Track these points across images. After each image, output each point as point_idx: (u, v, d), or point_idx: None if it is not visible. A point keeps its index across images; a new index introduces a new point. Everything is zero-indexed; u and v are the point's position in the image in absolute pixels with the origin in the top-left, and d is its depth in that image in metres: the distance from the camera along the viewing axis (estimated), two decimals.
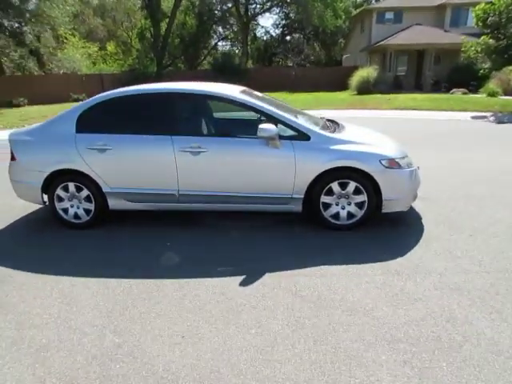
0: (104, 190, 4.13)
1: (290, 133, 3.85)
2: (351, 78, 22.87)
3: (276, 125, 3.77)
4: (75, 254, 3.69)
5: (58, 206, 4.24)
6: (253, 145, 3.85)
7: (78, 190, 4.17)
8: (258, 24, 43.29)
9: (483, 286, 2.94)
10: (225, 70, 25.88)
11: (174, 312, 2.73)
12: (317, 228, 4.01)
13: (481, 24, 13.39)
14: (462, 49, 15.24)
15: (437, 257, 3.41)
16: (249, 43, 39.73)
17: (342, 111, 15.37)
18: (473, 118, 12.89)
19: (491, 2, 12.96)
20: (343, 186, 3.83)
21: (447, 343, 2.34)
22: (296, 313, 2.68)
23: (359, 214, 3.91)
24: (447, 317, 2.59)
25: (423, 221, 4.20)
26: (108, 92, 4.23)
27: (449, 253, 3.48)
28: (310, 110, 14.00)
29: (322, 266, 3.29)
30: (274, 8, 39.01)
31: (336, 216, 3.95)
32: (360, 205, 3.88)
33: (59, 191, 4.19)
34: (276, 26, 42.96)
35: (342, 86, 24.63)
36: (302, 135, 3.81)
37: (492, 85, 17.37)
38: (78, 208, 4.24)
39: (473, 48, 14.12)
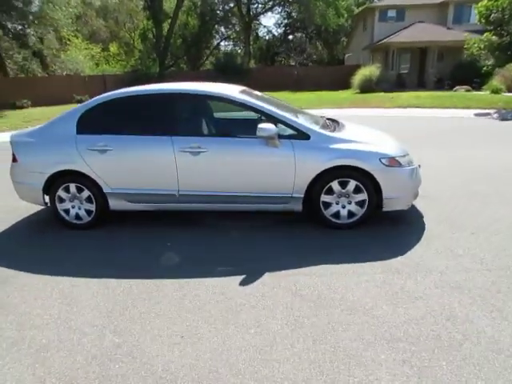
0: (105, 191, 4.14)
1: (290, 132, 3.85)
2: (353, 77, 22.81)
3: (276, 124, 3.76)
4: (76, 255, 3.71)
5: (60, 206, 4.26)
6: (252, 144, 3.85)
7: (79, 190, 4.19)
8: (260, 23, 43.29)
9: (484, 284, 2.92)
10: (227, 70, 25.90)
11: (173, 312, 2.73)
12: (317, 227, 4.00)
13: (484, 21, 13.32)
14: (465, 46, 15.16)
15: (438, 255, 3.40)
16: (251, 43, 39.72)
17: (344, 110, 15.34)
18: (476, 115, 12.82)
19: None
20: (343, 184, 3.82)
21: (447, 342, 2.33)
22: (295, 312, 2.67)
23: (360, 212, 3.90)
24: (447, 315, 2.57)
25: (424, 219, 4.18)
26: (108, 93, 4.24)
27: (450, 251, 3.46)
28: (312, 109, 14.00)
29: (321, 265, 3.28)
30: (276, 7, 39.10)
31: (336, 215, 3.93)
32: (360, 203, 3.87)
33: (60, 192, 4.21)
34: (278, 25, 43.10)
35: (345, 84, 24.56)
36: (301, 134, 3.81)
37: (495, 82, 17.25)
38: (80, 209, 4.26)
39: (476, 45, 14.04)
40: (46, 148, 4.22)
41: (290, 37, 43.31)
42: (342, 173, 3.79)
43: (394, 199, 3.85)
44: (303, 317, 2.62)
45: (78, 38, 33.67)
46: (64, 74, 30.14)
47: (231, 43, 45.45)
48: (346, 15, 36.98)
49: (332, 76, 28.11)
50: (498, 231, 3.80)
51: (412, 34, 23.68)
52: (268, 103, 4.08)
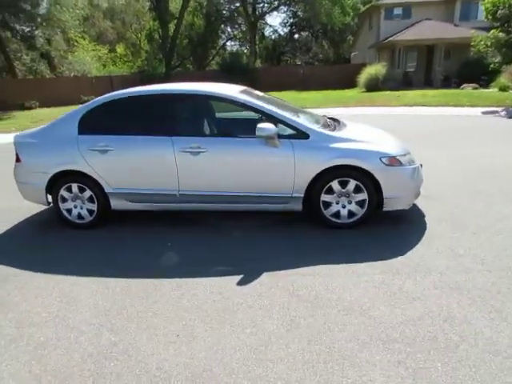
0: (106, 191, 4.17)
1: (290, 132, 3.84)
2: (360, 76, 22.68)
3: (275, 124, 3.76)
4: (77, 254, 3.74)
5: (62, 206, 4.30)
6: (252, 144, 3.84)
7: (81, 190, 4.23)
8: (266, 23, 43.23)
9: (484, 284, 2.89)
10: (233, 70, 25.91)
11: (170, 311, 2.74)
12: (317, 227, 3.99)
13: (490, 17, 13.15)
14: (472, 43, 14.99)
15: (438, 255, 3.37)
16: (257, 42, 39.70)
17: (350, 109, 15.26)
18: (483, 113, 12.68)
19: None
20: (343, 184, 3.80)
21: (443, 343, 2.31)
22: (292, 312, 2.67)
23: (360, 212, 3.88)
24: (445, 316, 2.55)
25: (426, 219, 4.14)
26: (109, 94, 4.27)
27: (451, 251, 3.42)
28: (318, 108, 13.99)
29: (320, 266, 3.27)
30: (282, 6, 38.95)
31: (336, 215, 3.92)
32: (361, 203, 3.85)
33: (63, 192, 4.25)
34: (284, 24, 42.98)
35: (351, 83, 24.43)
36: (301, 134, 3.80)
37: (503, 79, 17.04)
38: (82, 208, 4.29)
39: (482, 42, 13.87)
40: (49, 148, 4.26)
41: (296, 36, 43.27)
42: (342, 172, 3.77)
43: (394, 199, 3.82)
44: (299, 317, 2.61)
45: (85, 39, 33.96)
46: (71, 75, 30.42)
47: (237, 43, 45.53)
48: (351, 14, 36.79)
49: (338, 75, 27.98)
50: (501, 231, 3.76)
51: (418, 31, 23.49)
52: (268, 103, 4.08)
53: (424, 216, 4.21)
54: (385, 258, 3.36)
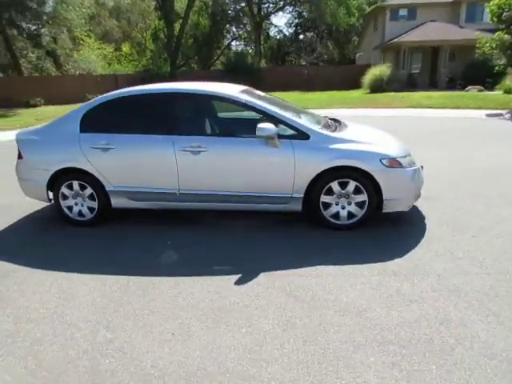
0: (107, 189, 4.18)
1: (290, 132, 3.84)
2: (364, 77, 22.64)
3: (276, 124, 3.76)
4: (77, 252, 3.75)
5: (63, 203, 4.32)
6: (253, 144, 3.85)
7: (82, 188, 4.24)
8: (271, 23, 43.27)
9: (482, 287, 2.87)
10: (237, 70, 25.91)
11: (167, 309, 2.75)
12: (317, 228, 3.98)
13: (496, 19, 13.09)
14: (477, 45, 14.92)
15: (437, 258, 3.35)
16: (262, 42, 39.70)
17: (354, 110, 15.24)
18: (488, 115, 12.62)
19: None
20: (343, 185, 3.80)
21: (439, 346, 2.30)
22: (288, 312, 2.67)
23: (359, 213, 3.87)
24: (442, 319, 2.54)
25: (426, 221, 4.13)
26: (111, 92, 4.29)
27: (450, 254, 3.41)
28: (322, 109, 13.96)
29: (318, 266, 3.27)
30: (287, 7, 38.94)
31: (336, 216, 3.91)
32: (360, 204, 3.84)
33: (64, 189, 4.27)
34: (289, 24, 42.91)
35: (356, 84, 24.39)
36: (301, 134, 3.79)
37: (508, 81, 16.95)
38: (82, 206, 4.31)
39: (487, 44, 13.81)
40: (51, 146, 4.28)
41: (301, 36, 43.20)
42: (342, 173, 3.77)
43: (394, 200, 3.81)
44: (295, 317, 2.61)
45: (90, 37, 34.10)
46: (77, 73, 30.54)
47: (242, 43, 45.55)
48: (357, 14, 36.71)
49: (343, 76, 27.93)
50: (500, 234, 3.74)
51: (424, 33, 23.40)
52: (269, 103, 4.08)
53: (424, 218, 4.20)
54: (383, 259, 3.35)
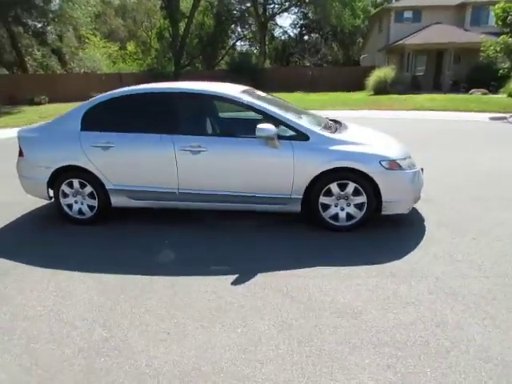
0: (107, 187, 4.19)
1: (290, 133, 3.84)
2: (368, 78, 22.58)
3: (276, 125, 3.75)
4: (76, 250, 3.76)
5: (63, 201, 4.33)
6: (252, 144, 3.85)
7: (82, 186, 4.25)
8: (276, 24, 43.19)
9: (480, 291, 2.86)
10: (242, 70, 25.91)
11: (163, 309, 2.76)
12: (316, 229, 3.97)
13: (500, 23, 13.04)
14: (481, 48, 14.86)
15: (435, 260, 3.34)
16: (267, 43, 39.72)
17: (356, 111, 15.21)
18: (491, 119, 12.56)
19: (511, 1, 12.60)
20: (342, 186, 3.79)
21: (434, 348, 2.29)
22: (284, 313, 2.66)
23: (358, 215, 3.86)
24: (438, 321, 2.53)
25: (426, 223, 4.12)
26: (112, 91, 4.30)
27: (449, 256, 3.40)
28: (324, 110, 13.94)
29: (316, 267, 3.27)
30: (292, 8, 38.93)
31: (335, 217, 3.90)
32: (359, 206, 3.83)
33: (64, 187, 4.28)
34: (294, 25, 42.90)
35: (359, 86, 24.31)
36: (300, 135, 3.79)
37: None
38: (82, 204, 4.32)
39: (492, 47, 13.75)
40: (51, 143, 4.30)
41: (306, 37, 43.16)
42: (342, 175, 3.76)
43: (393, 203, 3.81)
44: (291, 318, 2.61)
45: (96, 36, 34.20)
46: (81, 71, 30.65)
47: (247, 43, 45.57)
48: (362, 16, 36.66)
49: (346, 77, 27.88)
50: (500, 237, 3.72)
51: (428, 35, 23.32)
52: (269, 103, 4.07)
53: (424, 220, 4.19)
54: (382, 261, 3.34)
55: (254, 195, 3.94)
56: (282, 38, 44.15)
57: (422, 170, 4.13)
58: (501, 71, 15.56)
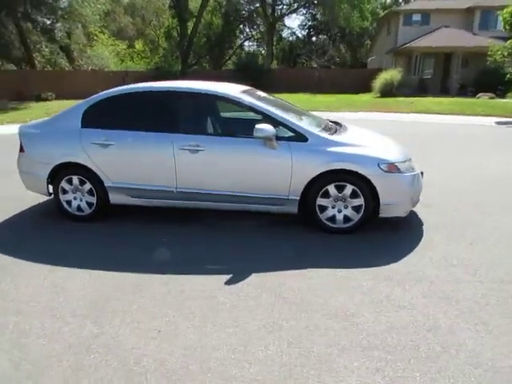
0: (106, 185, 4.21)
1: (288, 134, 3.83)
2: (375, 81, 22.49)
3: (275, 126, 3.75)
4: (75, 247, 3.78)
5: (62, 198, 4.36)
6: (250, 145, 3.84)
7: (81, 183, 4.28)
8: (284, 25, 43.15)
9: (474, 296, 2.84)
10: (248, 70, 25.92)
11: (155, 307, 2.76)
12: (313, 230, 3.96)
13: (508, 27, 12.94)
14: (489, 52, 14.76)
15: (431, 264, 3.32)
16: (274, 44, 39.71)
17: (361, 113, 15.16)
18: (497, 123, 12.47)
19: None
20: (340, 188, 3.78)
21: (425, 353, 2.28)
22: (275, 314, 2.66)
23: (356, 217, 3.84)
24: (430, 326, 2.51)
25: (424, 227, 4.10)
26: (112, 89, 4.33)
27: (444, 261, 3.38)
28: (331, 112, 13.93)
29: (311, 269, 3.25)
30: (301, 9, 38.87)
31: (332, 219, 3.89)
32: (357, 208, 3.81)
33: (63, 183, 4.31)
34: (302, 27, 42.79)
35: (366, 88, 24.20)
36: (299, 136, 3.78)
37: None
38: (81, 201, 4.34)
39: (499, 52, 13.66)
40: (52, 140, 4.33)
41: (314, 39, 43.09)
42: (339, 176, 3.75)
43: (391, 205, 3.78)
44: (282, 319, 2.60)
45: (104, 34, 34.40)
46: (89, 68, 30.82)
47: (254, 43, 45.58)
48: (370, 18, 36.52)
49: (353, 79, 27.79)
50: (497, 242, 3.69)
51: (437, 38, 23.19)
52: (269, 104, 4.07)
53: (422, 224, 4.16)
54: (377, 264, 3.32)
55: (251, 195, 3.94)
56: (290, 39, 44.16)
57: (422, 173, 4.10)
58: (508, 76, 15.44)
